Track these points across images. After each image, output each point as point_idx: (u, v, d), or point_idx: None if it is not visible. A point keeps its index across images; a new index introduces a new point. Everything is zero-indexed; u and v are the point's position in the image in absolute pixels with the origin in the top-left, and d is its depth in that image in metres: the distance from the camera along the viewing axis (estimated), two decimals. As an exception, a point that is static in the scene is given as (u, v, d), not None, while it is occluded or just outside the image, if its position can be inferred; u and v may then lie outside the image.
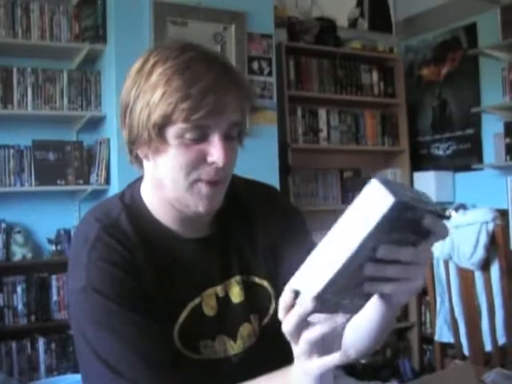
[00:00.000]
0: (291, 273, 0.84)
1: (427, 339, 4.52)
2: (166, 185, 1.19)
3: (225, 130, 1.16)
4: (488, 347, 2.94)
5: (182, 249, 1.26)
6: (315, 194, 4.56)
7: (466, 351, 3.09)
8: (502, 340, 2.86)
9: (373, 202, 0.76)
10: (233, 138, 1.19)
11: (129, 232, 1.21)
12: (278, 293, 1.18)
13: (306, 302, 0.82)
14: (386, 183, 0.76)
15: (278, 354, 1.02)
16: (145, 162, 1.23)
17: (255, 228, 1.34)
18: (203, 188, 1.17)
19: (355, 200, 0.79)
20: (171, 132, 1.13)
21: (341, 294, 0.84)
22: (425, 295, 4.02)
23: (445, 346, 3.28)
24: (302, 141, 4.49)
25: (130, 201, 1.27)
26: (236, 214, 1.34)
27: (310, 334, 0.87)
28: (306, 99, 4.54)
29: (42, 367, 3.62)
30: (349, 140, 4.73)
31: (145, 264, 1.19)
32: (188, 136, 1.13)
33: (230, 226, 1.33)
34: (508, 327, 2.84)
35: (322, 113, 4.60)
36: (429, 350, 4.61)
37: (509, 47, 4.26)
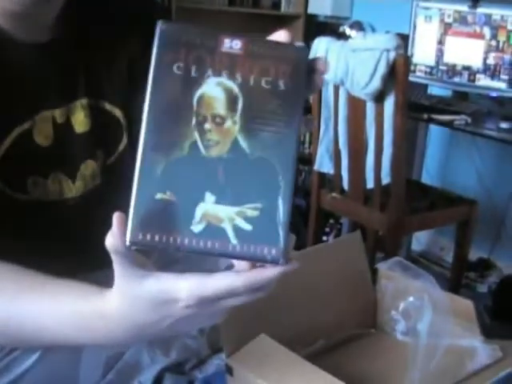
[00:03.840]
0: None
1: (304, 160, 4.35)
2: None
3: None
4: (370, 184, 2.77)
5: (11, 54, 0.93)
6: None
7: (345, 185, 2.92)
8: (386, 180, 2.68)
9: None
10: None
11: None
12: (131, 126, 1.06)
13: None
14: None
15: (120, 199, 0.79)
16: None
17: (113, 37, 1.05)
18: None
19: None
20: None
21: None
22: (308, 113, 3.72)
23: (323, 177, 3.09)
24: None
25: None
26: (92, 17, 1.03)
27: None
28: None
29: None
30: None
31: None
32: None
33: (82, 32, 1.01)
34: (394, 167, 2.65)
35: None
36: (304, 170, 4.47)
37: None
